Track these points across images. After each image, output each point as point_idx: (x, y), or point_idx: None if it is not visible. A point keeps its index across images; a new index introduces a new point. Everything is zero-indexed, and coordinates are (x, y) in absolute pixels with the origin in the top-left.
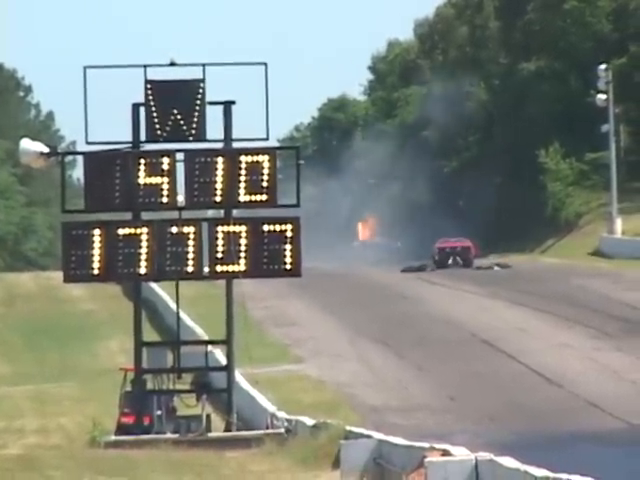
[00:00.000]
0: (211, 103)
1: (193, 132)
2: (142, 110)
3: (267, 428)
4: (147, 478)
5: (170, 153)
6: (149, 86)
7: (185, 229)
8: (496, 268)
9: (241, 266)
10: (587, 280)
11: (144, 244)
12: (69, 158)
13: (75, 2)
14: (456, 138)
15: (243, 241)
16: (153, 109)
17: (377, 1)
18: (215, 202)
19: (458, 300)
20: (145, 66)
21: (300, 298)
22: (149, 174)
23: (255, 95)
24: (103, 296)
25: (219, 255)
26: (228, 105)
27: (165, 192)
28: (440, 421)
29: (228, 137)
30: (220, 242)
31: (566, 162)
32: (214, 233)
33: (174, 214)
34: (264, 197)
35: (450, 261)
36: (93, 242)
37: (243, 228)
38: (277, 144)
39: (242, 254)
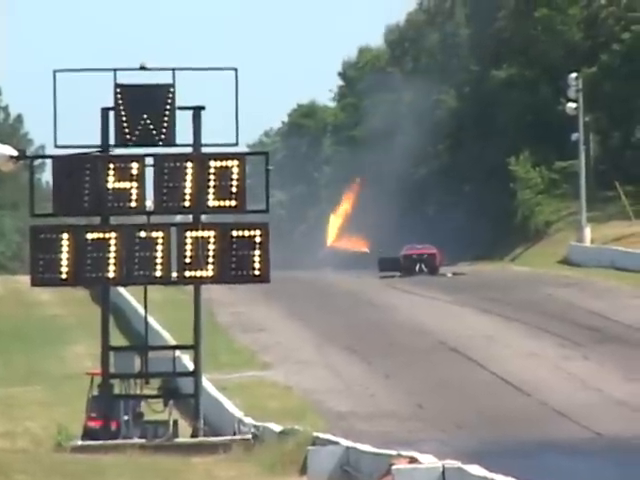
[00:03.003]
0: (181, 108)
1: (162, 137)
2: (111, 114)
3: (234, 434)
4: None
5: (139, 158)
6: (119, 90)
7: (154, 234)
8: (449, 275)
9: (209, 272)
10: (556, 289)
11: (112, 249)
12: (38, 162)
13: (44, 5)
14: (426, 145)
15: (212, 246)
16: (123, 113)
17: (348, 7)
18: (184, 207)
19: (427, 307)
20: (115, 70)
21: (268, 304)
22: (118, 178)
23: (225, 100)
24: (71, 300)
25: (187, 260)
26: (198, 110)
27: (134, 197)
28: (408, 428)
29: (197, 142)
30: (188, 247)
31: (536, 170)
32: (183, 238)
33: (143, 219)
34: (233, 202)
35: (417, 268)
36: (61, 246)
37: (212, 233)
38: (246, 149)
39: (210, 259)
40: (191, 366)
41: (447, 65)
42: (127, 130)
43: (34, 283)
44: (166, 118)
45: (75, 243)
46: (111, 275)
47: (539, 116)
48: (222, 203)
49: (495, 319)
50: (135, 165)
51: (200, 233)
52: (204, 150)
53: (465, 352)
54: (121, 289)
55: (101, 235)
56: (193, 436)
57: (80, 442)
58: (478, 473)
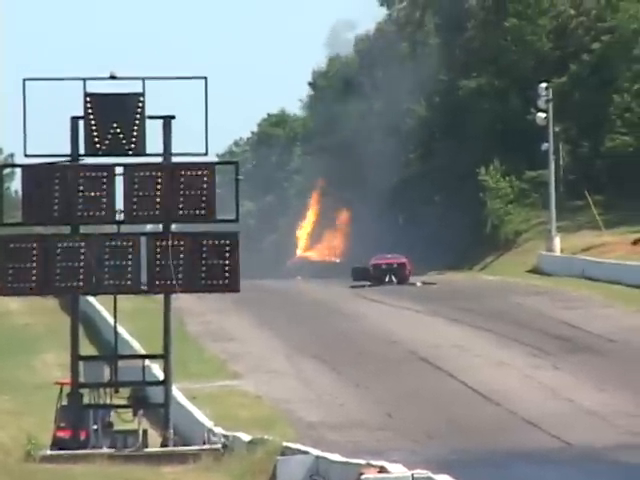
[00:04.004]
0: (151, 117)
1: (132, 146)
2: (81, 123)
3: (204, 443)
4: None
5: (109, 167)
6: (88, 99)
7: (124, 243)
8: (419, 284)
9: (179, 281)
10: (525, 298)
11: (82, 258)
12: (7, 170)
13: (12, 13)
14: (396, 155)
15: (182, 256)
16: (92, 122)
17: (318, 16)
18: (154, 216)
19: (397, 317)
20: (84, 79)
21: (238, 313)
22: (88, 188)
23: (195, 109)
24: (40, 309)
25: (157, 269)
26: (168, 119)
27: (104, 206)
28: (377, 438)
29: (167, 151)
30: (158, 256)
31: (506, 180)
32: (153, 247)
33: (113, 228)
34: (203, 212)
35: (387, 278)
36: (31, 255)
37: (182, 243)
38: (216, 159)
39: (180, 269)
40: (161, 375)
41: (417, 75)
42: (97, 139)
43: (3, 293)
44: (136, 127)
45: (45, 252)
46: (81, 284)
47: (509, 126)
48: (192, 212)
49: (465, 328)
50: (105, 174)
51: (170, 242)
52: (174, 159)
53: (435, 362)
54: (91, 298)
55: (71, 244)
56: (163, 446)
57: (49, 452)
58: None
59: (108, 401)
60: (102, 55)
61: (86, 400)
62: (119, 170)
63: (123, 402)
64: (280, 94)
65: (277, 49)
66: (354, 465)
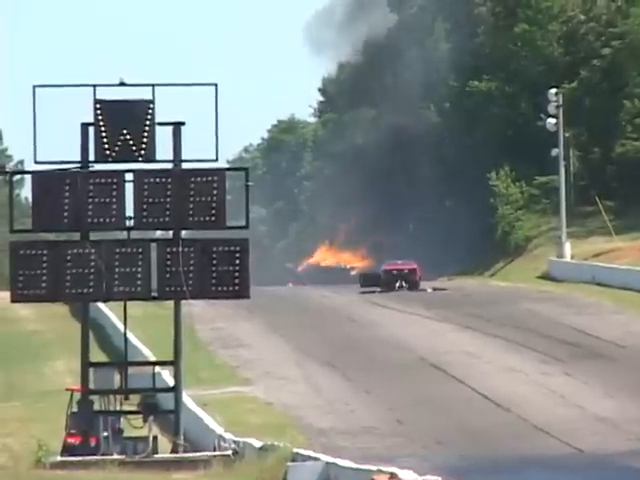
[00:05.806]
0: (161, 124)
1: (142, 153)
2: (91, 130)
3: (214, 450)
4: None
5: (119, 174)
6: (98, 106)
7: (134, 250)
8: (429, 290)
9: (189, 287)
10: (536, 304)
11: (92, 264)
12: (17, 177)
13: (22, 19)
14: (406, 160)
15: (192, 262)
16: (102, 129)
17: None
18: (164, 223)
19: (407, 323)
20: (94, 86)
21: (248, 320)
22: (98, 194)
23: (205, 116)
24: (51, 316)
25: (167, 276)
26: (178, 126)
27: (114, 212)
28: (388, 444)
29: (177, 158)
30: (169, 263)
31: (516, 186)
32: (163, 254)
33: (123, 234)
34: (213, 218)
35: (397, 284)
36: (41, 262)
37: (192, 249)
38: (226, 165)
39: (191, 275)
40: (171, 382)
41: (427, 80)
42: (107, 146)
43: (14, 299)
44: (146, 134)
45: (55, 259)
46: (91, 291)
47: (519, 131)
48: (202, 219)
49: (476, 335)
50: (115, 181)
51: (180, 249)
52: (184, 166)
53: (445, 368)
54: (100, 304)
55: (81, 251)
56: (173, 452)
57: (60, 458)
58: None
59: (118, 407)
60: (112, 62)
61: (96, 407)
62: (129, 177)
63: (133, 409)
64: (290, 101)
65: (287, 55)
66: (365, 471)
